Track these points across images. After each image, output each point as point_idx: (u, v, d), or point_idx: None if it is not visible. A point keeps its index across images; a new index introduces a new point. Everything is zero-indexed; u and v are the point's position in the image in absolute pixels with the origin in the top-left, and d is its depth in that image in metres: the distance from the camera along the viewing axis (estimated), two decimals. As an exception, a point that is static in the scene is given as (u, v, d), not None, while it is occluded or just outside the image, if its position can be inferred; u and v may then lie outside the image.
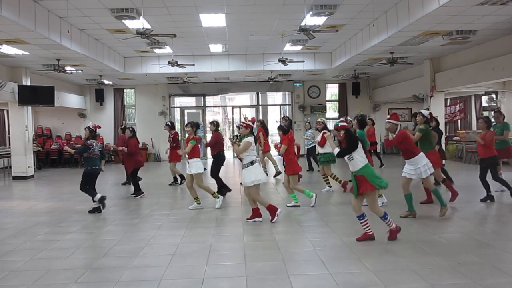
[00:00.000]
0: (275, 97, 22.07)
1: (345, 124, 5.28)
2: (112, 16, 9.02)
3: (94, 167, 7.31)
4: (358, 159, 5.09)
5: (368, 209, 5.21)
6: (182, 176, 10.23)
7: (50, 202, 8.59)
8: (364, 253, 4.76)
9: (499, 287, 3.79)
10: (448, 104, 16.05)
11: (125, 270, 4.42)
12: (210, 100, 22.46)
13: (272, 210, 6.30)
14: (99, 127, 7.72)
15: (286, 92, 19.68)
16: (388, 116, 6.53)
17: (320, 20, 9.68)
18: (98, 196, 7.27)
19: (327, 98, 19.48)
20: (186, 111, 19.79)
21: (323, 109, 18.69)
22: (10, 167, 13.18)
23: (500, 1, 7.39)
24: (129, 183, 10.24)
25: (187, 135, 7.77)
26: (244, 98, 23.71)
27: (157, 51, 13.28)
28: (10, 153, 13.20)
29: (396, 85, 16.39)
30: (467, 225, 6.02)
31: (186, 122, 13.17)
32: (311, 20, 9.50)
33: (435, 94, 13.39)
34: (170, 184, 10.43)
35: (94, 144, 7.29)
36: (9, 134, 15.14)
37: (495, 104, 14.40)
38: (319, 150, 8.90)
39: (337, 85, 19.14)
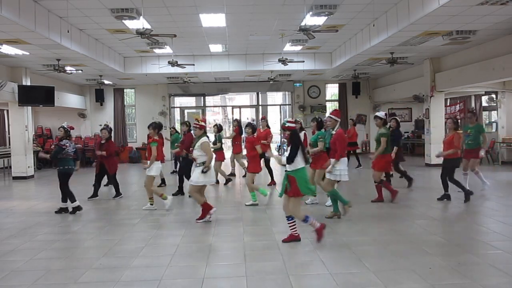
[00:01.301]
0: (275, 97, 22.08)
1: (292, 125, 5.23)
2: (112, 16, 9.02)
3: (66, 167, 7.31)
4: (297, 160, 5.09)
5: (289, 209, 5.17)
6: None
7: (50, 202, 8.57)
8: (364, 253, 4.77)
9: (499, 287, 3.79)
10: (448, 104, 16.02)
11: (125, 270, 4.42)
12: (210, 100, 22.47)
13: (206, 209, 6.39)
14: (73, 128, 7.78)
15: (286, 92, 19.67)
16: (331, 111, 6.52)
17: (320, 20, 9.68)
18: (77, 203, 7.37)
19: (327, 98, 19.48)
20: (186, 111, 19.80)
21: (323, 109, 18.68)
22: (10, 167, 13.17)
23: (500, 1, 7.38)
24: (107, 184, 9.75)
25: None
26: (244, 98, 23.72)
27: (157, 51, 13.28)
28: (10, 153, 13.19)
29: (396, 85, 16.39)
30: (467, 225, 6.02)
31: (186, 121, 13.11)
32: (311, 20, 9.50)
33: (435, 94, 13.38)
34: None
35: (68, 144, 7.33)
36: (9, 134, 15.14)
37: (495, 104, 14.40)
38: None
39: (337, 85, 19.14)
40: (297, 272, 4.25)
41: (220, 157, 10.01)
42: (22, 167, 12.75)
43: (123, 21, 9.33)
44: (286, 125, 5.19)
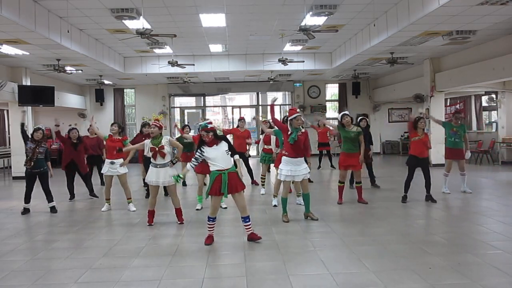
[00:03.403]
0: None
1: (212, 126, 5.28)
2: (112, 16, 9.02)
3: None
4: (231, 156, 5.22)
5: (239, 207, 5.27)
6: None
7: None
8: (364, 253, 4.77)
9: (499, 287, 3.79)
10: (448, 104, 16.04)
11: (125, 270, 4.42)
12: (210, 100, 22.47)
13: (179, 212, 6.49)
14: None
15: (286, 92, 19.68)
16: (298, 110, 6.48)
17: (320, 20, 9.68)
18: (26, 206, 7.64)
19: (327, 98, 19.48)
20: (186, 111, 19.81)
21: (323, 109, 18.71)
22: (10, 167, 13.17)
23: (500, 1, 7.39)
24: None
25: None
26: (244, 98, 23.74)
27: (157, 51, 13.28)
28: (10, 153, 13.20)
29: (396, 85, 16.39)
30: (467, 225, 6.02)
31: (187, 122, 13.04)
32: (311, 20, 9.50)
33: (435, 94, 13.39)
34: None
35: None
36: (9, 134, 15.15)
37: (495, 104, 14.41)
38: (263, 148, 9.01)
39: (337, 85, 19.14)
40: (297, 272, 4.25)
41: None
42: (22, 167, 12.60)
43: (123, 21, 9.33)
44: (209, 127, 5.20)
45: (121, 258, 4.86)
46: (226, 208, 7.41)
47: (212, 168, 5.17)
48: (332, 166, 13.32)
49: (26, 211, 7.61)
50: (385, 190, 9.04)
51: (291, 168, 6.19)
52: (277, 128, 7.00)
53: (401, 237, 5.42)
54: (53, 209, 7.62)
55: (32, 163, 7.41)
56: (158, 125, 6.36)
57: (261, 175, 9.03)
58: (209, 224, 5.32)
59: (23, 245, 5.51)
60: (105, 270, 4.47)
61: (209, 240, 5.32)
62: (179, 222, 6.44)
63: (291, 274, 4.18)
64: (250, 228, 5.35)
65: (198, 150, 5.18)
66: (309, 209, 6.50)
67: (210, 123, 5.35)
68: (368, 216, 6.67)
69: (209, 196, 5.21)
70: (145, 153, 6.38)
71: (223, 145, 5.20)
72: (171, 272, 4.37)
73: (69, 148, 8.74)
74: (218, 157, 5.13)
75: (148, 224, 6.35)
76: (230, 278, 4.17)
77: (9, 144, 14.53)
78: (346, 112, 7.71)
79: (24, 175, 7.71)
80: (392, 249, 4.88)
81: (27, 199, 7.62)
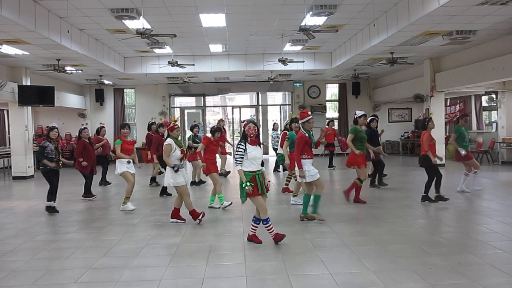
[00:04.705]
0: (275, 97, 22.08)
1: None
2: (112, 16, 9.02)
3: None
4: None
5: (260, 210, 5.15)
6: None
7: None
8: (364, 253, 4.77)
9: (499, 287, 3.79)
10: (448, 104, 16.04)
11: (125, 270, 4.42)
12: (210, 100, 22.47)
13: (195, 215, 6.40)
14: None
15: (286, 92, 19.68)
16: (310, 113, 6.48)
17: (320, 20, 9.68)
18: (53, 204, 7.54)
19: (327, 98, 19.48)
20: (186, 111, 19.81)
21: (323, 109, 18.71)
22: (10, 167, 13.17)
23: (500, 1, 7.39)
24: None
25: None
26: (244, 98, 23.74)
27: (157, 51, 13.28)
28: (10, 153, 13.20)
29: (396, 85, 16.39)
30: (467, 225, 6.03)
31: (191, 124, 13.06)
32: (311, 20, 9.50)
33: (435, 94, 13.38)
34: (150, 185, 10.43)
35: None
36: (9, 134, 15.14)
37: (495, 104, 14.41)
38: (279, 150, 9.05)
39: (337, 85, 19.14)
40: (297, 272, 4.25)
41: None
42: (22, 167, 12.76)
43: (123, 21, 9.33)
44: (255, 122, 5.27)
45: (121, 258, 4.86)
46: (219, 208, 7.44)
47: (247, 169, 5.07)
48: (330, 166, 13.30)
49: (53, 209, 7.48)
50: (385, 190, 9.04)
51: (314, 168, 6.24)
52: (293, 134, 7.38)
53: (401, 237, 5.42)
54: (48, 209, 7.48)
55: (60, 163, 7.61)
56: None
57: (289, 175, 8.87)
58: (266, 227, 5.14)
59: (23, 245, 5.51)
60: (105, 270, 4.47)
61: (278, 236, 5.15)
62: (182, 221, 6.45)
63: (291, 274, 4.18)
64: (255, 230, 5.31)
65: (240, 146, 5.09)
66: (307, 210, 6.49)
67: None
68: (368, 216, 6.67)
69: (246, 199, 5.11)
70: (172, 153, 6.29)
71: (260, 150, 5.21)
72: (171, 272, 4.37)
73: (91, 149, 8.92)
74: (257, 158, 5.12)
75: (197, 221, 6.30)
76: (230, 278, 4.17)
77: (9, 144, 14.52)
78: (365, 113, 7.85)
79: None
80: (392, 249, 4.88)
81: (54, 195, 7.55)
